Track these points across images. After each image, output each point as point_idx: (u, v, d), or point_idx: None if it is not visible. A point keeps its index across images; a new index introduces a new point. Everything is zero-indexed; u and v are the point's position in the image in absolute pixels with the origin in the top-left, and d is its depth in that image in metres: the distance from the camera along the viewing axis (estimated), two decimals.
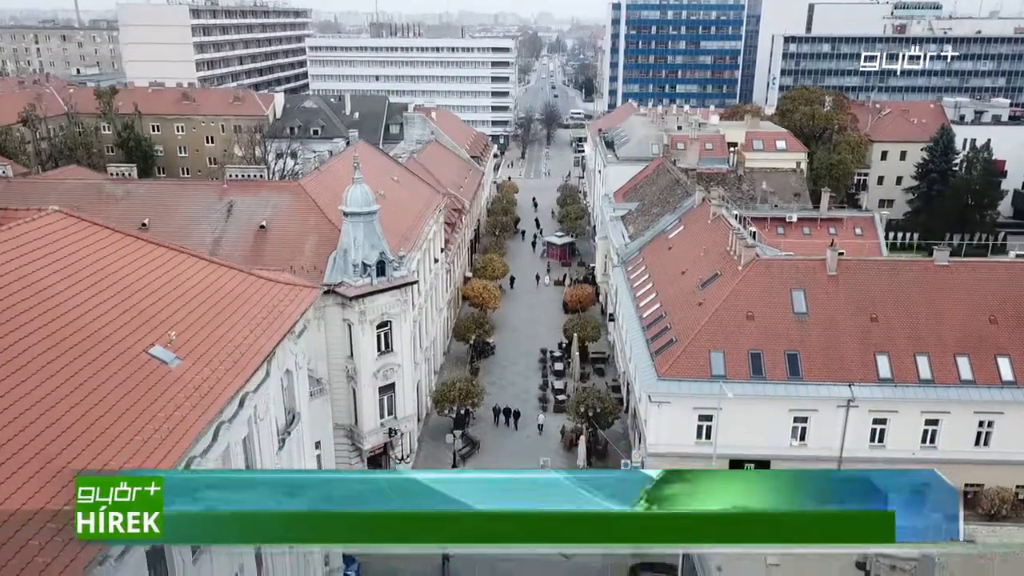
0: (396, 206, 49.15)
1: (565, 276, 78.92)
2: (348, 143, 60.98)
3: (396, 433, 41.19)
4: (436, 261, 55.11)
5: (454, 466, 46.14)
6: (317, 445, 31.73)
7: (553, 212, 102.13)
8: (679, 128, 79.37)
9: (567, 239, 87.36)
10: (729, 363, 39.54)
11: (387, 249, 38.94)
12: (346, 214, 38.67)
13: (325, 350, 38.15)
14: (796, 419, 39.73)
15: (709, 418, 39.40)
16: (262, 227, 41.02)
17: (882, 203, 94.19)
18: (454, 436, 45.64)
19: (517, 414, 51.10)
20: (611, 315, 61.90)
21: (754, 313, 40.99)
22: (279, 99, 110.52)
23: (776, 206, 66.23)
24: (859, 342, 40.12)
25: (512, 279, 76.79)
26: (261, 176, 51.16)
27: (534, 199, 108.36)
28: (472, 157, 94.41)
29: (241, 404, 19.89)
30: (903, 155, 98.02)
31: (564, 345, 61.49)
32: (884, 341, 40.08)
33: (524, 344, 64.15)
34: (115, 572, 13.39)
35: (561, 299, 71.18)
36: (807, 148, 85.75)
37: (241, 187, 44.24)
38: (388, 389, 40.88)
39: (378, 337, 39.64)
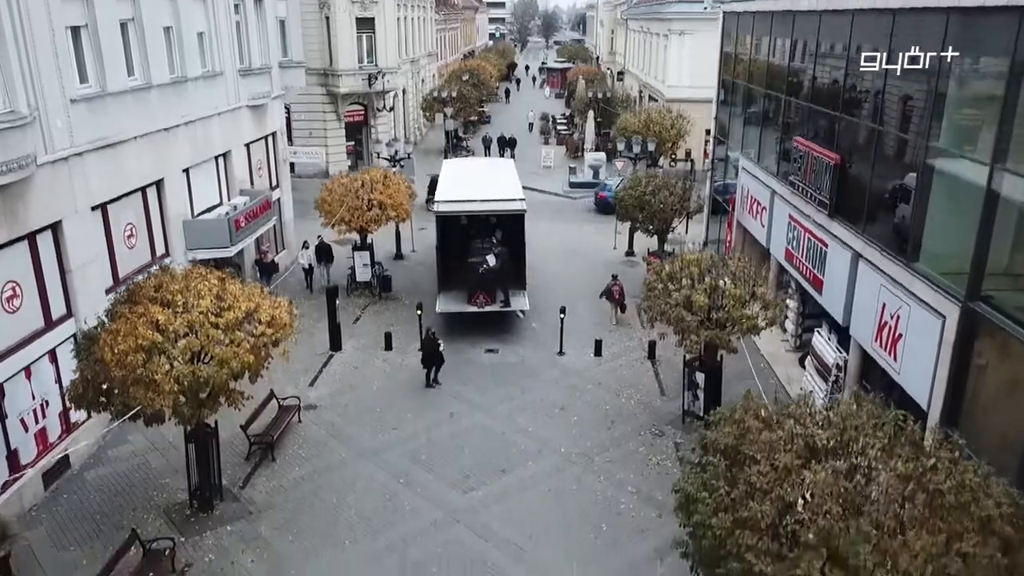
0: None
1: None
2: None
3: (377, 79, 35.32)
4: None
5: (446, 156, 40.57)
6: None
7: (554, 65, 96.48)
8: None
9: (568, 65, 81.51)
10: None
11: None
12: None
13: None
14: None
15: None
16: None
17: None
18: (444, 116, 40.00)
19: (513, 142, 43.88)
20: (619, 73, 56.32)
21: None
22: None
23: None
24: None
25: (507, 91, 71.48)
26: None
27: (540, 65, 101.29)
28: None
29: None
30: None
31: (569, 114, 56.09)
32: None
33: (522, 124, 58.39)
34: None
35: (562, 105, 65.71)
36: None
37: None
38: (367, 25, 35.13)
39: None
